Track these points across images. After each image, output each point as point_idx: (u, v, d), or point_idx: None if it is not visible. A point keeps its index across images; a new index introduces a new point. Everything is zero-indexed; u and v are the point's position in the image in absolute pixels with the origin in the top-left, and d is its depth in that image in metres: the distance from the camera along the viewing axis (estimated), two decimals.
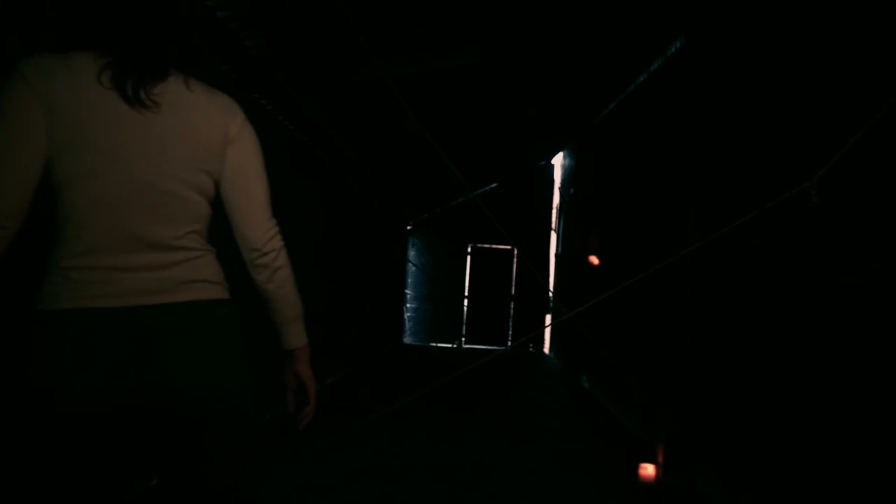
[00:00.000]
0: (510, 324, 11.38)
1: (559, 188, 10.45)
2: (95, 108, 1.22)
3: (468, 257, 11.50)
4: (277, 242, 1.52)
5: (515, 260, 11.32)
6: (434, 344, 11.34)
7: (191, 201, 1.35)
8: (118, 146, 1.24)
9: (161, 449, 1.34)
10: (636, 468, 3.93)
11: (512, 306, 11.37)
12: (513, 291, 11.41)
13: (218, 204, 1.48)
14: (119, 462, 1.32)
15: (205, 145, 1.35)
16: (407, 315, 11.39)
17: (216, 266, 1.45)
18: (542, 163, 11.00)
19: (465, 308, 11.46)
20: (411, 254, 11.32)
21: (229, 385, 1.37)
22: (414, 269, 11.29)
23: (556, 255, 10.22)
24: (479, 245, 11.50)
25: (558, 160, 10.70)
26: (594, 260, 6.79)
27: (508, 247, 11.34)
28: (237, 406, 1.38)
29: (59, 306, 1.21)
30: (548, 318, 10.63)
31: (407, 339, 11.42)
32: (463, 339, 11.41)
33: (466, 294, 11.47)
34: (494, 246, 11.44)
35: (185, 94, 1.33)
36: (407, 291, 11.42)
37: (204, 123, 1.35)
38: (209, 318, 1.37)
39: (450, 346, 11.27)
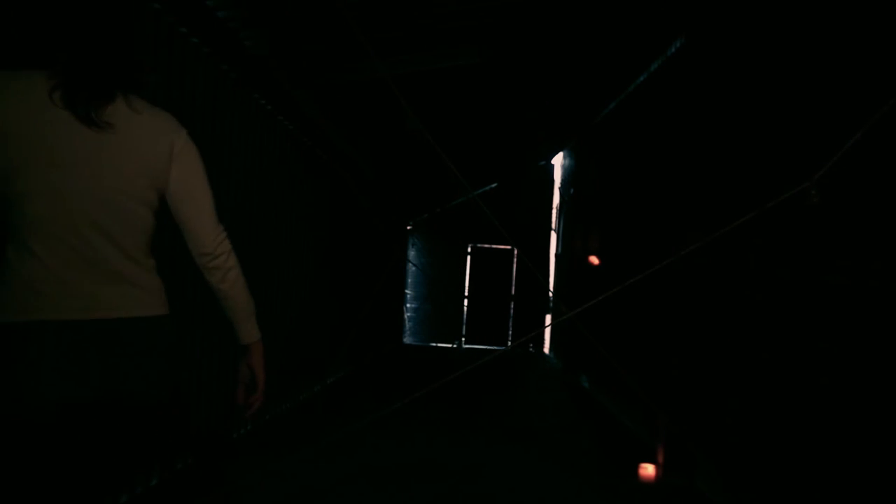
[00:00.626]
0: (510, 324, 11.38)
1: (559, 188, 10.45)
2: (50, 127, 1.29)
3: (468, 257, 11.50)
4: (227, 245, 1.63)
5: (515, 260, 11.32)
6: (434, 344, 11.34)
7: (139, 215, 1.44)
8: (74, 164, 1.32)
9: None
10: (636, 468, 3.93)
11: (512, 306, 11.37)
12: (513, 291, 11.41)
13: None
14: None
15: (152, 162, 1.44)
16: (407, 315, 11.39)
17: (157, 281, 1.53)
18: (542, 163, 11.00)
19: (465, 308, 11.45)
20: (411, 254, 11.32)
21: (154, 391, 1.47)
22: (414, 269, 11.29)
23: (556, 255, 10.22)
24: (479, 245, 11.50)
25: (558, 160, 10.70)
26: (594, 260, 6.79)
27: (508, 247, 11.34)
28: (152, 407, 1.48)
29: (22, 319, 1.30)
30: (548, 318, 10.63)
31: (407, 339, 11.42)
32: (463, 339, 11.41)
33: (466, 294, 11.47)
34: (494, 246, 11.44)
35: (131, 114, 1.42)
36: (407, 291, 11.42)
37: (150, 141, 1.44)
38: (141, 337, 1.45)
39: (450, 346, 11.27)
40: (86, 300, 1.35)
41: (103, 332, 1.37)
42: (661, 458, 3.91)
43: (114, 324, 1.39)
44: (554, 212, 10.87)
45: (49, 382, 1.30)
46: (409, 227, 11.22)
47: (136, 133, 1.41)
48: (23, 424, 1.28)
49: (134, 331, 1.42)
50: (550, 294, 10.15)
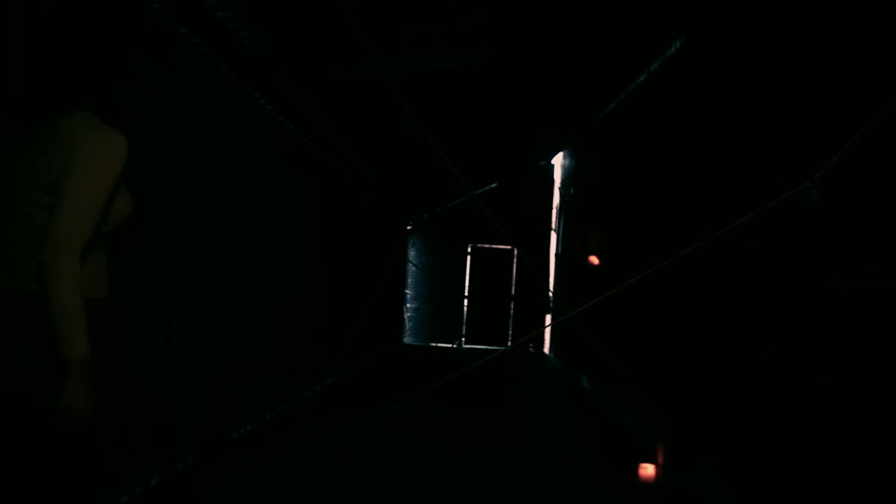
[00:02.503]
0: (510, 324, 11.38)
1: (559, 188, 10.45)
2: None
3: (468, 257, 11.50)
4: (57, 249, 1.58)
5: (515, 260, 11.32)
6: (434, 344, 11.34)
7: (38, 218, 1.55)
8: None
9: None
10: (636, 468, 3.93)
11: (512, 306, 11.37)
12: (513, 291, 11.41)
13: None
14: None
15: (57, 171, 1.54)
16: (407, 315, 11.39)
17: None
18: (542, 163, 11.00)
19: (465, 308, 11.45)
20: (411, 254, 11.32)
21: None
22: (414, 269, 11.29)
23: (556, 255, 10.22)
24: (479, 245, 11.49)
25: (558, 160, 10.71)
26: (594, 260, 6.79)
27: (508, 247, 11.34)
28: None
29: None
30: (548, 318, 10.63)
31: (407, 339, 11.42)
32: (463, 339, 11.41)
33: (466, 294, 11.47)
34: (494, 246, 11.44)
35: (61, 128, 1.56)
36: (407, 291, 11.42)
37: (62, 151, 1.54)
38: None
39: (450, 346, 11.27)
40: None
41: None
42: (661, 458, 3.91)
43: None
44: (554, 212, 10.87)
45: None
46: (409, 228, 11.22)
47: (58, 146, 1.56)
48: None
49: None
50: (550, 294, 10.15)
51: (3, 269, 1.54)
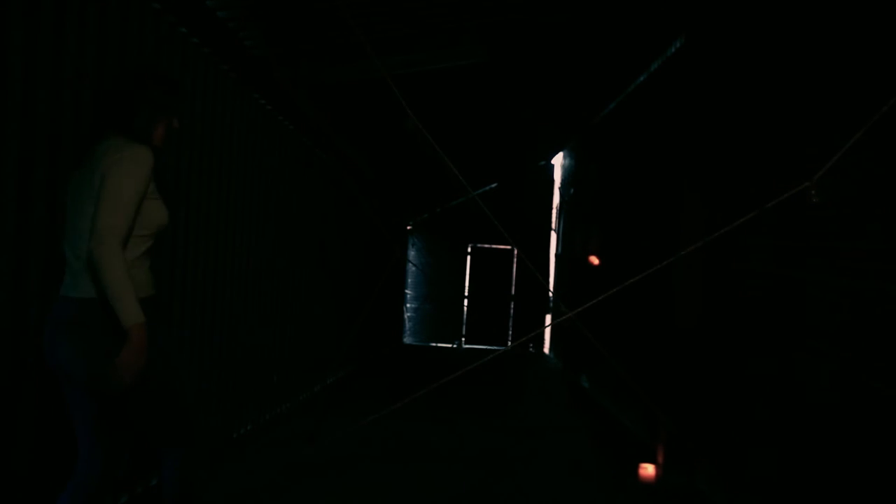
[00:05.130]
0: (510, 324, 11.37)
1: (559, 188, 10.45)
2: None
3: (468, 257, 11.50)
4: (100, 242, 1.84)
5: (515, 260, 11.32)
6: (434, 344, 11.33)
7: (88, 227, 1.86)
8: (67, 199, 1.97)
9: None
10: (636, 468, 3.93)
11: (512, 306, 11.36)
12: (513, 291, 11.41)
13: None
14: None
15: (93, 185, 1.86)
16: (407, 315, 11.39)
17: None
18: (542, 163, 10.99)
19: (465, 308, 11.45)
20: (411, 254, 11.32)
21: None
22: (414, 269, 11.29)
23: (556, 255, 10.22)
24: (479, 245, 11.49)
25: (558, 160, 10.70)
26: (594, 260, 6.79)
27: (508, 247, 11.34)
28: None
29: None
30: (548, 318, 10.63)
31: (407, 339, 11.41)
32: (463, 339, 11.41)
33: (466, 294, 11.47)
34: (494, 246, 11.43)
35: (98, 151, 1.90)
36: (407, 291, 11.42)
37: (97, 169, 1.87)
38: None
39: (450, 346, 11.26)
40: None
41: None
42: (661, 458, 3.91)
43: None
44: (554, 212, 10.87)
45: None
46: (409, 227, 11.22)
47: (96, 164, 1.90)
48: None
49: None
50: (550, 294, 10.15)
51: (69, 280, 1.90)
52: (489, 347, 11.17)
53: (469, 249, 11.50)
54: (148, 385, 1.90)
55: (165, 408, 1.98)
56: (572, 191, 8.94)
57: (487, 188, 11.04)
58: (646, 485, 3.82)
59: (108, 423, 1.97)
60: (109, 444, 1.99)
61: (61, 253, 2.00)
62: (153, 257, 2.05)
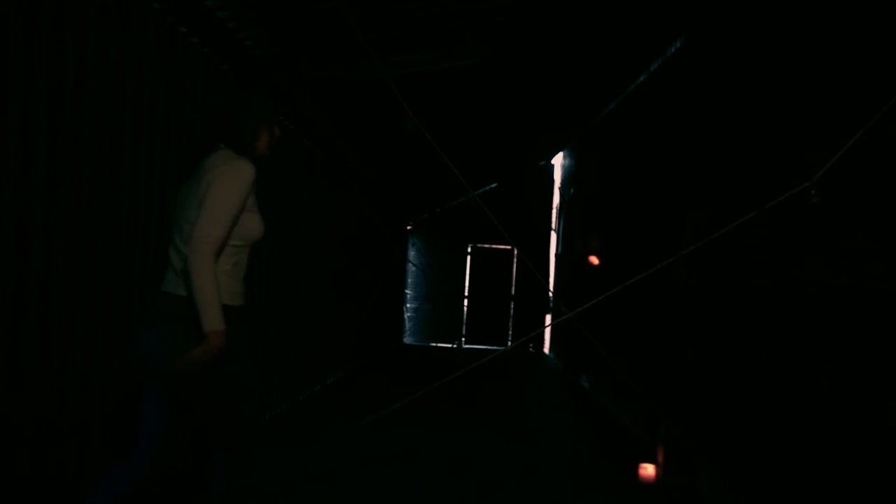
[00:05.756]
0: (510, 324, 11.37)
1: (559, 188, 10.45)
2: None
3: (468, 257, 11.50)
4: (196, 247, 1.97)
5: (515, 260, 11.32)
6: (434, 344, 11.33)
7: (189, 231, 2.01)
8: (176, 205, 2.15)
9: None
10: (636, 468, 3.93)
11: (512, 306, 11.36)
12: (513, 291, 11.41)
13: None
14: None
15: (199, 194, 2.00)
16: (407, 315, 11.38)
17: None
18: (542, 163, 10.99)
19: (465, 308, 11.45)
20: (411, 254, 11.31)
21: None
22: (414, 269, 11.28)
23: (556, 255, 10.22)
24: (479, 245, 11.49)
25: (558, 160, 10.70)
26: (594, 260, 6.79)
27: (508, 247, 11.34)
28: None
29: None
30: (548, 318, 10.63)
31: (407, 339, 11.41)
32: (463, 339, 11.41)
33: (466, 294, 11.47)
34: (494, 246, 11.43)
35: (205, 164, 2.07)
36: (407, 291, 11.41)
37: (203, 179, 2.01)
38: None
39: (450, 346, 11.26)
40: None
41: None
42: (661, 458, 3.91)
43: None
44: (554, 212, 10.87)
45: None
46: (409, 228, 11.21)
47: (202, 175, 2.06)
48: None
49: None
50: (550, 294, 10.15)
51: (169, 277, 2.04)
52: (489, 347, 11.17)
53: (469, 249, 11.50)
54: (215, 385, 2.03)
55: (226, 409, 2.09)
56: (572, 191, 8.94)
57: (487, 188, 11.04)
58: (646, 485, 3.82)
59: (172, 415, 2.08)
60: (168, 437, 2.09)
61: (69, 253, 2.11)
62: (247, 269, 2.19)
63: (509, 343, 11.18)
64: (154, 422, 2.09)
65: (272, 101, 2.26)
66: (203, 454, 2.16)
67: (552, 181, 11.03)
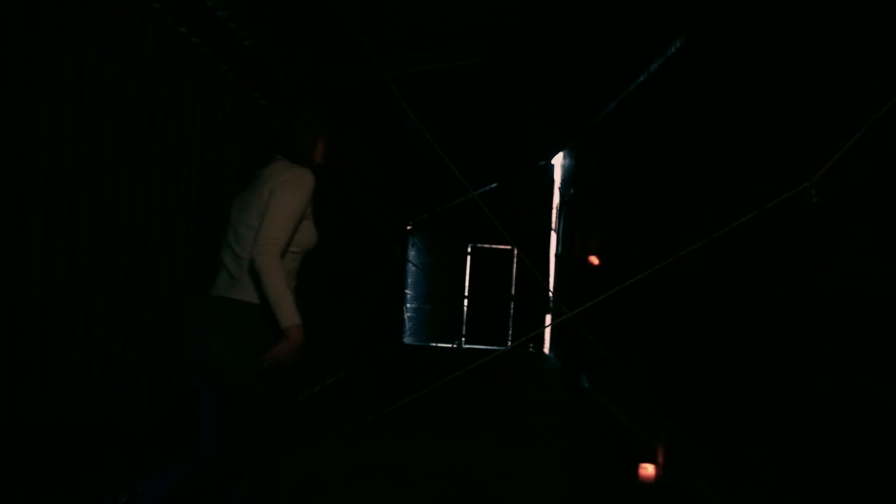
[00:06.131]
0: (510, 324, 11.37)
1: (559, 188, 10.45)
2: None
3: (468, 257, 11.49)
4: (262, 249, 2.04)
5: (515, 260, 11.32)
6: (434, 344, 11.33)
7: (250, 237, 2.11)
8: (232, 212, 2.26)
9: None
10: (636, 468, 3.93)
11: (512, 306, 11.36)
12: (513, 291, 11.40)
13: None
14: None
15: (261, 201, 2.11)
16: (407, 315, 11.38)
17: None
18: (542, 163, 10.99)
19: (465, 308, 11.44)
20: (411, 254, 11.31)
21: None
22: (414, 269, 11.28)
23: (556, 255, 10.22)
24: (479, 245, 11.49)
25: (558, 160, 10.70)
26: (594, 260, 6.79)
27: (508, 247, 11.34)
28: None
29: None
30: (548, 318, 10.63)
31: (407, 339, 11.41)
32: (463, 339, 11.40)
33: (466, 294, 11.46)
34: (494, 246, 11.43)
35: (265, 173, 2.19)
36: (407, 291, 11.41)
37: (265, 187, 2.12)
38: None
39: (450, 346, 11.26)
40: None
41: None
42: (661, 458, 3.91)
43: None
44: (554, 212, 10.86)
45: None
46: (409, 227, 11.21)
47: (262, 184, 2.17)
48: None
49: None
50: (550, 294, 10.15)
51: (225, 282, 2.13)
52: (489, 347, 11.17)
53: (469, 249, 11.50)
54: (270, 389, 2.09)
55: (275, 414, 2.14)
56: (572, 191, 8.94)
57: (487, 188, 11.04)
58: (646, 485, 3.82)
59: (231, 418, 2.12)
60: (228, 440, 2.13)
61: (68, 254, 2.16)
62: (297, 279, 2.28)
63: (509, 343, 11.18)
64: (215, 424, 2.13)
65: (324, 113, 2.38)
66: (240, 456, 2.16)
67: (552, 181, 11.03)
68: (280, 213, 2.05)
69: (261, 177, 2.18)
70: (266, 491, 2.13)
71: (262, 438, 2.11)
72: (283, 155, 2.24)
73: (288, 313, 1.99)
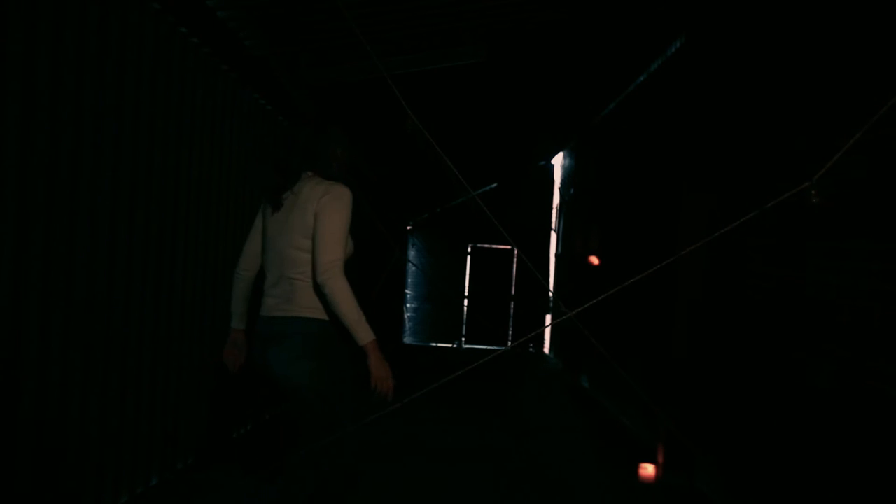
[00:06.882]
0: (510, 324, 11.37)
1: (559, 188, 10.44)
2: (267, 211, 2.32)
3: (468, 257, 11.50)
4: (332, 273, 2.12)
5: (515, 260, 11.32)
6: (434, 344, 11.33)
7: (301, 257, 2.19)
8: (269, 232, 2.28)
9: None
10: (636, 468, 3.93)
11: (512, 306, 11.36)
12: (513, 291, 11.40)
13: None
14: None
15: (305, 221, 2.18)
16: (407, 315, 11.38)
17: (317, 294, 2.19)
18: (542, 163, 10.99)
19: (465, 308, 11.44)
20: (411, 254, 11.31)
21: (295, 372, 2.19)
22: (414, 269, 11.28)
23: (556, 255, 10.22)
24: (479, 245, 11.49)
25: (558, 160, 10.70)
26: (594, 260, 6.79)
27: (508, 247, 11.33)
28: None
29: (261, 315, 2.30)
30: (548, 318, 10.63)
31: (407, 339, 11.41)
32: (463, 339, 11.40)
33: (466, 294, 11.46)
34: (494, 246, 11.43)
35: (302, 191, 2.21)
36: (407, 291, 11.41)
37: (308, 206, 2.17)
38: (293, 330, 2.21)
39: (450, 346, 11.26)
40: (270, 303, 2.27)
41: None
42: (661, 458, 3.91)
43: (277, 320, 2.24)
44: (554, 212, 10.86)
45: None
46: (409, 227, 11.21)
47: (302, 203, 2.19)
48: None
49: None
50: (550, 294, 10.15)
51: (277, 303, 2.23)
52: (489, 347, 11.17)
53: (469, 249, 11.50)
54: (334, 394, 2.27)
55: (331, 415, 2.29)
56: (572, 191, 8.94)
57: (487, 188, 11.03)
58: (646, 485, 3.81)
59: (314, 422, 2.26)
60: (321, 443, 2.25)
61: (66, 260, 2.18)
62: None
63: (509, 343, 11.18)
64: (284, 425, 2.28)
65: (345, 131, 2.44)
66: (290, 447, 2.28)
67: (552, 181, 11.03)
68: (335, 235, 2.13)
69: (299, 195, 2.21)
70: (303, 490, 2.24)
71: (314, 431, 2.23)
72: (313, 170, 2.30)
73: (366, 331, 2.14)
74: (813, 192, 1.89)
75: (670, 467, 3.83)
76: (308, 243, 2.18)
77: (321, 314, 2.22)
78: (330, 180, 2.26)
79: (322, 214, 2.14)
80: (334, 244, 2.13)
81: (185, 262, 3.31)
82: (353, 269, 7.33)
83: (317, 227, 2.14)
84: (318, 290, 2.16)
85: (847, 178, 2.44)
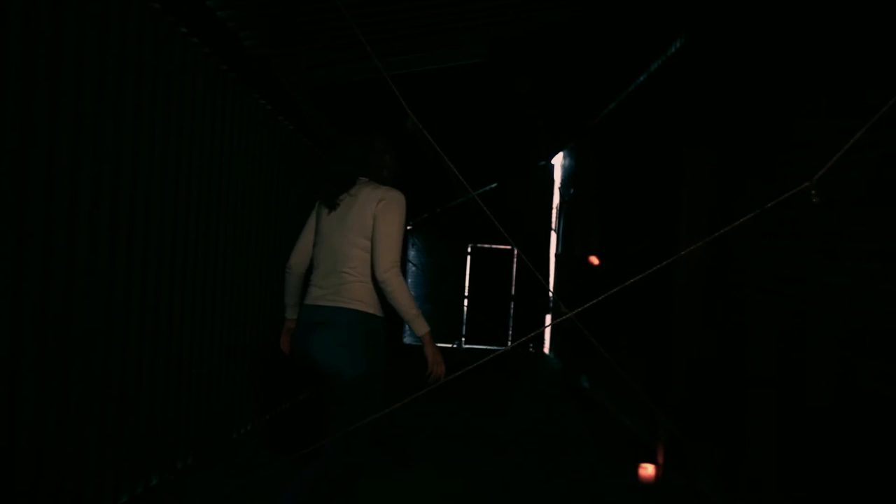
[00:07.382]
0: (510, 324, 11.37)
1: (559, 188, 10.45)
2: (322, 211, 2.51)
3: (468, 257, 11.50)
4: (391, 274, 2.34)
5: (515, 260, 11.32)
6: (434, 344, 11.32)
7: (355, 254, 2.38)
8: (323, 230, 2.47)
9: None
10: (636, 468, 3.93)
11: (512, 306, 11.36)
12: (513, 291, 11.40)
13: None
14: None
15: (363, 222, 2.38)
16: None
17: (364, 289, 2.39)
18: (542, 163, 10.99)
19: (465, 308, 11.44)
20: (411, 254, 11.31)
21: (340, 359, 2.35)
22: (414, 269, 11.29)
23: (556, 255, 10.22)
24: (479, 245, 11.49)
25: (558, 160, 10.70)
26: (594, 260, 6.79)
27: (508, 247, 11.34)
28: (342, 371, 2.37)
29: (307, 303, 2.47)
30: (548, 318, 10.63)
31: (407, 339, 11.41)
32: (463, 339, 11.40)
33: (466, 294, 11.47)
34: (494, 246, 11.43)
35: (360, 194, 2.42)
36: None
37: (366, 208, 2.38)
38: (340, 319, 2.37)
39: (450, 346, 11.26)
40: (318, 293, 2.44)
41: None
42: (661, 458, 3.91)
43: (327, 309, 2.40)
44: (554, 212, 10.86)
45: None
46: (409, 227, 11.22)
47: (360, 205, 2.40)
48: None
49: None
50: (550, 294, 10.15)
51: (327, 293, 2.38)
52: (489, 347, 11.17)
53: (469, 249, 11.50)
54: (369, 385, 2.40)
55: (370, 403, 2.41)
56: (572, 191, 8.94)
57: (487, 188, 11.03)
58: (646, 485, 3.81)
59: (346, 410, 2.38)
60: (349, 430, 2.35)
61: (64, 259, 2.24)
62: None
63: (509, 343, 11.18)
64: (335, 417, 2.40)
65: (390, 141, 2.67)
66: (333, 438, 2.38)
67: (552, 181, 11.02)
68: (393, 237, 2.36)
69: (357, 197, 2.41)
70: (338, 478, 2.35)
71: (353, 422, 2.32)
72: (366, 176, 2.51)
73: (422, 324, 2.37)
74: (813, 192, 1.89)
75: (670, 467, 3.83)
76: (363, 241, 2.36)
77: (365, 307, 2.38)
78: (384, 186, 2.47)
79: (380, 218, 2.35)
80: (393, 246, 2.34)
81: (185, 261, 3.31)
82: None
83: (376, 230, 2.33)
84: (366, 286, 2.36)
85: (847, 178, 2.44)
